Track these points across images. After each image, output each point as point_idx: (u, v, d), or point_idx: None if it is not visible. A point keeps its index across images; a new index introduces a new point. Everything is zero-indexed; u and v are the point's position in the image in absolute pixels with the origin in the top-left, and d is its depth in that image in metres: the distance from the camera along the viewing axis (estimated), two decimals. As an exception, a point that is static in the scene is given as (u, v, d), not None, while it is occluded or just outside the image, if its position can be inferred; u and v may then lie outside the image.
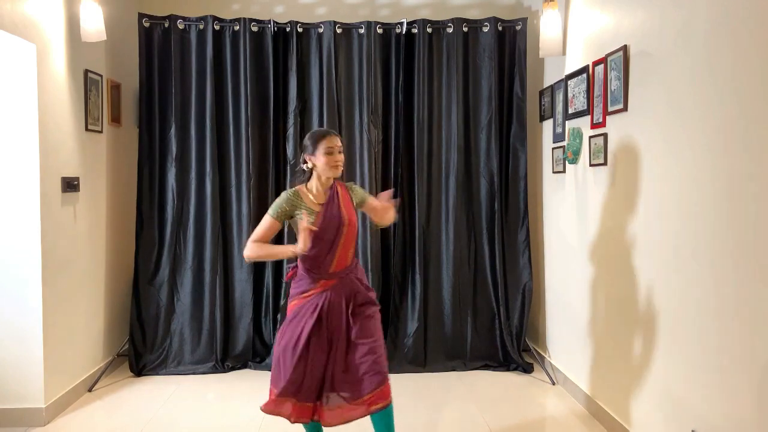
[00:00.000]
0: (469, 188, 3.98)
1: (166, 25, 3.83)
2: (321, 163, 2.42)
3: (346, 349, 2.40)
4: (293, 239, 3.41)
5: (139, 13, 3.83)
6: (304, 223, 2.35)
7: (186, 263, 3.88)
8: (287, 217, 2.44)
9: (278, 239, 3.83)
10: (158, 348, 3.85)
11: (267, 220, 2.43)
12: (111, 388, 3.54)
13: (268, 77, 3.87)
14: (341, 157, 2.46)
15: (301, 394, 2.38)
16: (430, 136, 3.96)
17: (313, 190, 2.47)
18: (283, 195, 2.46)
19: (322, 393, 2.41)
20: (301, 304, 2.44)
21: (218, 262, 3.87)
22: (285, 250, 2.45)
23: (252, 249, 2.43)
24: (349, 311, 2.42)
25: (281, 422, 2.94)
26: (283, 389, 2.36)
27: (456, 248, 3.93)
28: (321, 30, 3.89)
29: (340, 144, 2.46)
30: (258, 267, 3.93)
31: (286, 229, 3.66)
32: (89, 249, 3.52)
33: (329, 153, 2.41)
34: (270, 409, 2.40)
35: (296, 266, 2.51)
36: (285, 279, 2.72)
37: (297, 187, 2.50)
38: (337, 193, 2.48)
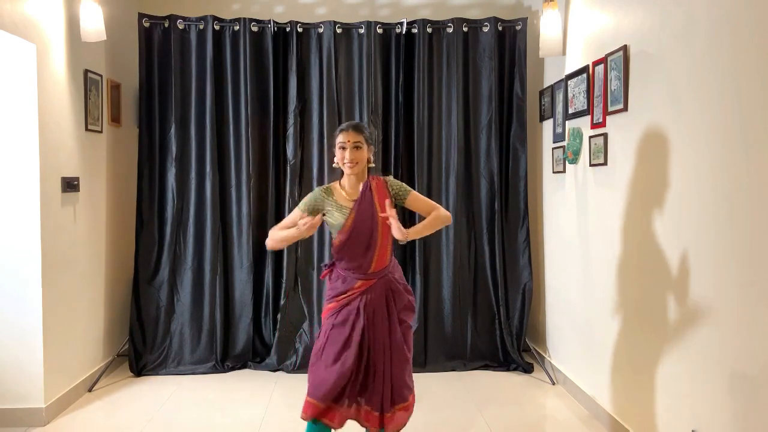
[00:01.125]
0: (469, 188, 3.98)
1: (166, 25, 3.83)
2: (337, 158, 2.35)
3: (384, 357, 2.28)
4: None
5: (139, 13, 3.83)
6: (309, 218, 2.25)
7: (186, 263, 3.88)
8: (316, 212, 2.36)
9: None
10: (158, 348, 3.85)
11: (294, 212, 2.39)
12: (111, 388, 3.54)
13: (268, 77, 3.87)
14: (354, 155, 2.29)
15: (350, 398, 2.27)
16: (430, 136, 3.96)
17: (345, 186, 2.39)
18: (315, 190, 2.43)
19: (345, 396, 2.26)
20: (339, 308, 2.32)
21: (218, 262, 3.87)
22: (291, 232, 2.32)
23: (270, 236, 2.40)
24: (392, 315, 2.31)
25: (281, 422, 2.95)
26: (324, 395, 2.21)
27: (456, 248, 3.93)
28: (321, 30, 3.89)
29: (357, 139, 2.30)
30: (258, 267, 3.93)
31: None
32: (89, 249, 3.52)
33: (341, 148, 2.32)
34: (312, 414, 2.24)
35: (332, 265, 2.43)
36: (321, 277, 2.63)
37: (331, 183, 2.44)
38: (370, 189, 2.33)
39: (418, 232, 2.29)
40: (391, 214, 2.21)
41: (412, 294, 2.46)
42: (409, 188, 2.41)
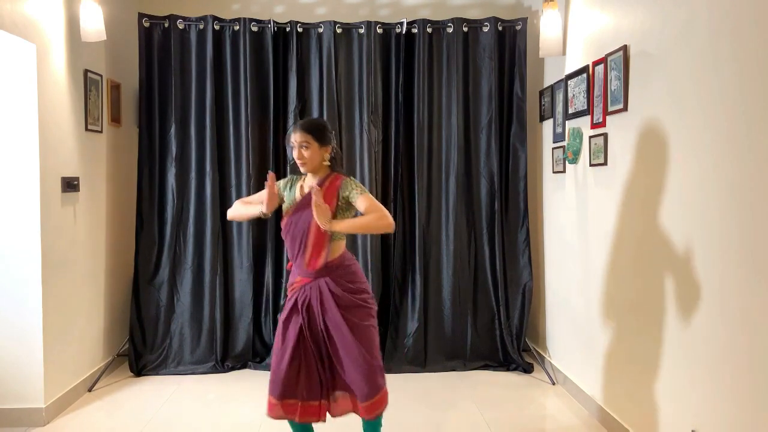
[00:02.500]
0: (469, 188, 3.98)
1: (166, 25, 3.83)
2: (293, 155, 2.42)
3: (336, 353, 2.33)
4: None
5: (139, 13, 3.83)
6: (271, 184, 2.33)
7: (186, 263, 3.88)
8: (279, 194, 2.45)
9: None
10: (158, 348, 3.85)
11: (263, 191, 2.45)
12: (111, 388, 3.54)
13: (268, 77, 3.87)
14: (301, 153, 2.33)
15: (305, 393, 2.32)
16: (430, 136, 3.96)
17: (307, 182, 2.45)
18: (288, 177, 2.56)
19: (323, 391, 2.37)
20: (288, 303, 2.41)
21: (218, 262, 3.87)
22: (255, 209, 2.43)
23: (233, 206, 2.53)
24: (330, 316, 2.32)
25: (281, 422, 2.94)
26: (280, 392, 2.29)
27: (456, 248, 3.93)
28: (321, 30, 3.89)
29: (303, 139, 2.33)
30: (258, 267, 3.93)
31: None
32: (89, 249, 3.52)
33: (292, 147, 2.38)
34: (272, 413, 2.32)
35: None
36: (287, 267, 2.69)
37: (302, 176, 2.52)
38: (321, 186, 2.35)
39: (342, 226, 2.29)
40: (316, 200, 2.20)
41: (368, 294, 2.43)
42: (363, 191, 2.35)
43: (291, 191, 2.46)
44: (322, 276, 2.35)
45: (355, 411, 2.38)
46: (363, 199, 2.33)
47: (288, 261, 2.54)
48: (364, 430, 2.46)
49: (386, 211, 2.31)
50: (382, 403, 2.37)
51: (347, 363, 2.31)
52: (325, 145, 2.38)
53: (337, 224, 2.27)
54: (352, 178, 2.44)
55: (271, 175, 2.35)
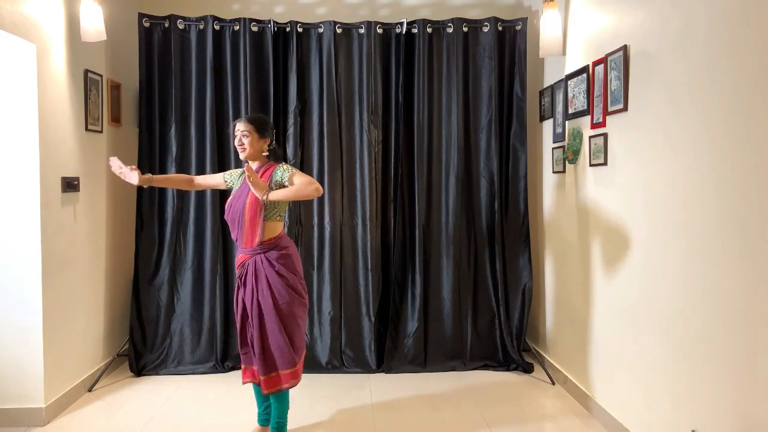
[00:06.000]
0: (469, 188, 3.98)
1: (166, 25, 3.83)
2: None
3: (258, 326, 2.66)
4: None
5: (139, 13, 3.83)
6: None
7: (186, 263, 3.88)
8: (229, 180, 2.85)
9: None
10: (158, 348, 3.85)
11: (218, 174, 2.93)
12: (111, 388, 3.54)
13: (268, 77, 3.86)
14: (242, 141, 2.69)
15: (245, 358, 2.76)
16: (430, 136, 3.96)
17: (253, 168, 2.74)
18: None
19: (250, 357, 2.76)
20: (237, 279, 2.77)
21: (218, 262, 3.87)
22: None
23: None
24: (261, 288, 2.65)
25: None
26: (243, 359, 2.77)
27: (456, 248, 3.93)
28: (321, 30, 3.89)
29: (245, 128, 2.69)
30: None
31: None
32: (89, 249, 3.52)
33: (235, 137, 2.73)
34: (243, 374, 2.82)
35: None
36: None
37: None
38: (256, 173, 2.69)
39: (276, 195, 2.59)
40: (248, 174, 2.49)
41: (298, 279, 2.75)
42: (294, 171, 2.69)
43: (237, 181, 2.83)
44: (257, 254, 2.67)
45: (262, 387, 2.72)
46: (295, 177, 2.66)
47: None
48: (270, 401, 2.84)
49: (313, 179, 2.66)
50: (279, 382, 2.68)
51: (262, 336, 2.66)
52: (264, 137, 2.74)
53: (272, 194, 2.58)
54: (284, 163, 2.76)
55: (114, 158, 2.74)
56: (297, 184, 2.62)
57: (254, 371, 2.75)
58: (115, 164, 2.70)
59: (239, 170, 2.89)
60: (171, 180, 2.93)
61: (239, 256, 2.74)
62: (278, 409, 2.77)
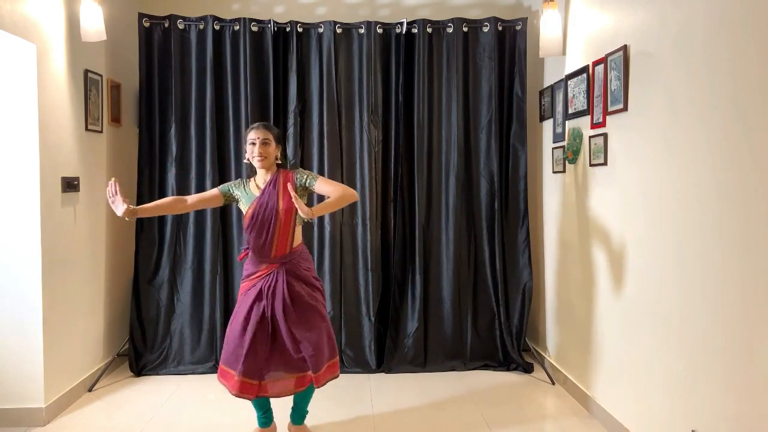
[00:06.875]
0: (469, 188, 3.98)
1: (166, 25, 3.83)
2: (248, 154, 2.65)
3: (287, 335, 2.57)
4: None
5: (139, 13, 3.83)
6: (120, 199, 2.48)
7: (186, 263, 3.88)
8: (230, 196, 2.71)
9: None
10: (158, 348, 3.85)
11: (212, 190, 2.74)
12: (111, 388, 3.54)
13: (268, 77, 3.86)
14: (263, 149, 2.60)
15: (248, 371, 2.56)
16: (430, 136, 3.96)
17: (258, 179, 2.70)
18: (235, 180, 2.79)
19: (263, 371, 2.60)
20: (248, 287, 2.64)
21: (218, 262, 3.87)
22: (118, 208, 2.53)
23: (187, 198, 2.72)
24: (295, 296, 2.58)
25: (281, 422, 2.95)
26: (242, 369, 2.54)
27: (456, 248, 3.93)
28: (321, 30, 3.89)
29: (265, 136, 2.61)
30: (258, 267, 3.93)
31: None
32: (89, 249, 3.52)
33: (251, 144, 2.62)
34: (221, 380, 2.63)
35: (247, 249, 2.72)
36: (238, 259, 3.01)
37: (249, 178, 2.76)
38: (275, 183, 2.62)
39: (321, 209, 2.53)
40: (294, 196, 2.43)
41: (319, 280, 2.77)
42: (316, 175, 2.67)
43: (246, 191, 2.69)
44: (286, 262, 2.62)
45: (295, 390, 2.65)
46: (321, 182, 2.64)
47: (244, 251, 2.77)
48: (295, 402, 2.80)
49: (345, 185, 2.65)
50: (335, 369, 2.67)
51: (304, 334, 2.56)
52: (279, 144, 2.70)
53: (317, 210, 2.49)
54: (300, 168, 2.75)
55: (114, 180, 2.49)
56: (337, 195, 2.55)
57: (260, 385, 2.59)
58: (111, 189, 2.47)
59: (237, 181, 2.76)
60: (160, 207, 2.65)
61: (262, 267, 2.62)
62: (308, 400, 2.80)
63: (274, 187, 2.62)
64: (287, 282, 2.58)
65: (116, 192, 2.45)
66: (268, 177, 2.66)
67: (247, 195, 2.67)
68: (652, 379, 2.55)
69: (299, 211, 2.44)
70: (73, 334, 3.33)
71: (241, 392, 2.55)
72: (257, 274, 2.63)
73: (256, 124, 2.69)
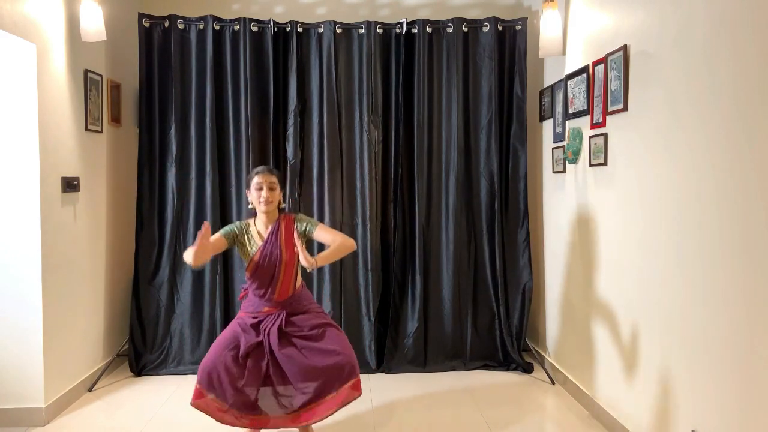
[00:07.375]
0: (469, 188, 3.97)
1: (166, 25, 3.83)
2: (252, 198, 2.65)
3: (292, 362, 2.53)
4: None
5: (139, 13, 3.83)
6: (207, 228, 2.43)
7: (186, 263, 3.87)
8: (233, 239, 2.65)
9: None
10: (158, 348, 3.85)
11: (214, 236, 2.61)
12: (111, 388, 3.54)
13: (268, 77, 3.86)
14: (269, 194, 2.61)
15: (244, 405, 2.52)
16: (430, 136, 3.96)
17: (258, 224, 2.69)
18: (235, 223, 2.73)
19: (259, 406, 2.54)
20: (248, 318, 2.64)
21: (218, 262, 3.86)
22: (194, 249, 2.43)
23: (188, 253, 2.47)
24: (291, 333, 2.58)
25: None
26: (232, 401, 2.51)
27: (456, 248, 3.93)
28: (321, 30, 3.89)
29: (271, 180, 2.62)
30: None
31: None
32: (89, 249, 3.52)
33: (258, 189, 2.61)
34: (198, 404, 2.53)
35: (247, 289, 2.74)
36: (238, 299, 2.98)
37: (248, 220, 2.74)
38: (277, 231, 2.64)
39: (324, 258, 2.57)
40: (300, 248, 2.47)
41: (320, 308, 2.80)
42: (316, 222, 2.71)
43: (248, 238, 2.67)
44: (288, 304, 2.65)
45: (293, 424, 2.56)
46: (320, 229, 2.67)
47: (243, 290, 2.79)
48: None
49: (344, 234, 2.70)
50: (358, 386, 2.57)
51: (311, 361, 2.52)
52: (282, 188, 2.74)
53: (320, 260, 2.52)
54: (300, 214, 2.76)
55: (206, 225, 2.40)
56: (337, 245, 2.60)
57: (262, 420, 2.55)
58: (205, 231, 2.40)
59: (239, 223, 2.72)
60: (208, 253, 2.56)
61: (264, 309, 2.65)
62: None
63: (277, 238, 2.63)
64: (287, 322, 2.62)
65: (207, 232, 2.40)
66: (270, 223, 2.67)
67: (251, 240, 2.66)
68: (653, 378, 2.55)
69: (301, 261, 2.47)
70: (73, 334, 3.33)
71: (254, 425, 2.56)
72: (258, 315, 2.66)
73: (260, 168, 2.68)
